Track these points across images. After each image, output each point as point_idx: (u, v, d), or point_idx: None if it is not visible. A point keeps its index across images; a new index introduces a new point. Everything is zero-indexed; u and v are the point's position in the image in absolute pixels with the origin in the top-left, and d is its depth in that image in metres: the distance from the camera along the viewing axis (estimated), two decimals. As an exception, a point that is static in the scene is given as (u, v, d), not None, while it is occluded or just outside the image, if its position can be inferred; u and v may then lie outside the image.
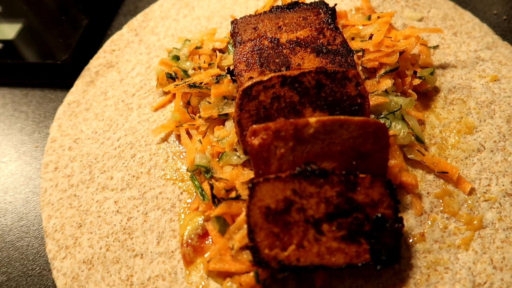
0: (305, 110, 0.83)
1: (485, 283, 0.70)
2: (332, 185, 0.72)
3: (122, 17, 1.36)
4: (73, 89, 1.14)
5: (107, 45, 1.23)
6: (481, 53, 1.02)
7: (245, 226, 0.73)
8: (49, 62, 1.16)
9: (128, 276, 0.80)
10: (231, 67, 0.94)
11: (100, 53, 1.22)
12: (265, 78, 0.83)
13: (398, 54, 0.93)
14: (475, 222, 0.77)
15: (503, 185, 0.81)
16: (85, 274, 0.82)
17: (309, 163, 0.74)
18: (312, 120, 0.75)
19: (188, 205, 0.87)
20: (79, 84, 1.15)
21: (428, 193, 0.82)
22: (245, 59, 0.92)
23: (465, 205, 0.79)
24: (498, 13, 1.13)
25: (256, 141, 0.76)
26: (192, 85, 0.97)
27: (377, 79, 0.93)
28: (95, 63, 1.19)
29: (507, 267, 0.71)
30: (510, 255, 0.72)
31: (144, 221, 0.87)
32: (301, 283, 0.74)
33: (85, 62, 1.21)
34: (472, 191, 0.81)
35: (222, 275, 0.76)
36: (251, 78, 0.87)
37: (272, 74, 0.84)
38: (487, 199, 0.80)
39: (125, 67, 1.17)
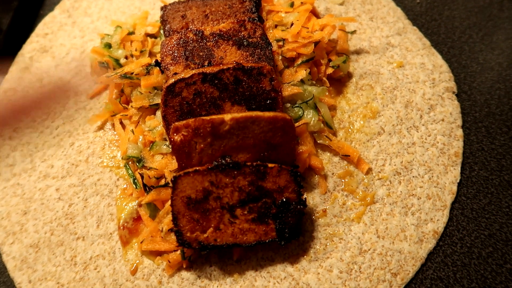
0: (225, 104, 0.91)
1: (369, 249, 0.86)
2: (244, 176, 0.83)
3: (55, -6, 1.34)
4: (7, 76, 1.16)
5: (40, 28, 1.23)
6: (392, 39, 1.12)
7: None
8: (-20, 49, 1.17)
9: (72, 256, 0.91)
10: (159, 59, 1.00)
11: (33, 37, 1.22)
12: (187, 75, 0.90)
13: (313, 44, 1.01)
14: (368, 199, 0.91)
15: (394, 165, 0.95)
16: (33, 256, 0.91)
17: (225, 157, 0.85)
18: (227, 117, 0.85)
19: (125, 191, 0.97)
20: (13, 70, 1.17)
21: (333, 173, 0.95)
22: (171, 52, 0.98)
23: (362, 184, 0.93)
24: (413, -4, 1.21)
25: (178, 138, 0.85)
26: (124, 76, 1.03)
27: (294, 68, 1.01)
28: (28, 48, 1.20)
29: (388, 235, 0.87)
30: (392, 226, 0.88)
31: (85, 206, 0.96)
32: (222, 256, 0.88)
33: (18, 44, 1.21)
34: (369, 171, 0.95)
35: (154, 253, 0.88)
36: (175, 74, 0.94)
37: (194, 72, 0.91)
38: (380, 178, 0.94)
39: (60, 51, 1.19)
